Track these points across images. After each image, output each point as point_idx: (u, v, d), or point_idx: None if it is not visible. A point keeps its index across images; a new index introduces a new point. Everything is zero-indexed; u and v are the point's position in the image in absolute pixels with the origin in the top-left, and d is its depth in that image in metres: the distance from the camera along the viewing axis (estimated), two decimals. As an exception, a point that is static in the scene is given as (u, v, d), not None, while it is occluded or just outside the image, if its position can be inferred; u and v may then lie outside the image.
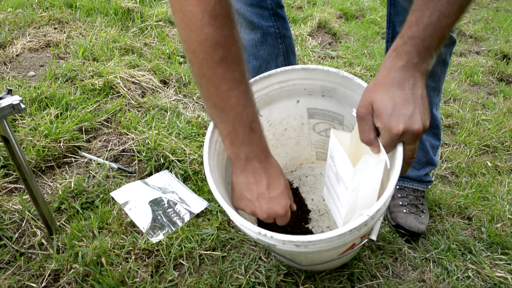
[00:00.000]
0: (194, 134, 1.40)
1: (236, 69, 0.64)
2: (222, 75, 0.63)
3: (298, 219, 1.02)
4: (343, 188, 0.79)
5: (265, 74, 0.86)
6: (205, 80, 0.64)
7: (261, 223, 0.97)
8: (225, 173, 0.86)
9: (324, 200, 1.08)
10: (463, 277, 0.99)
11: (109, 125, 1.42)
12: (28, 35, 1.89)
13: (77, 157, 1.27)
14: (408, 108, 0.62)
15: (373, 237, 0.75)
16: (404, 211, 1.11)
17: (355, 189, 0.76)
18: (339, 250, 0.76)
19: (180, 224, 1.08)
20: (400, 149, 0.66)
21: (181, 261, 0.98)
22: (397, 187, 1.19)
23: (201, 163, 1.26)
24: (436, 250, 1.06)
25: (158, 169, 1.27)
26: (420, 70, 0.64)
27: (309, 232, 1.01)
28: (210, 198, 1.17)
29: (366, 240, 0.78)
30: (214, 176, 0.74)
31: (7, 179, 1.16)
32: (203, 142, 1.36)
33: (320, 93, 0.90)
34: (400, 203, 1.14)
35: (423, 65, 0.64)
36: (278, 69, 0.86)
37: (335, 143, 0.79)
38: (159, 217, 1.10)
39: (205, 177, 1.24)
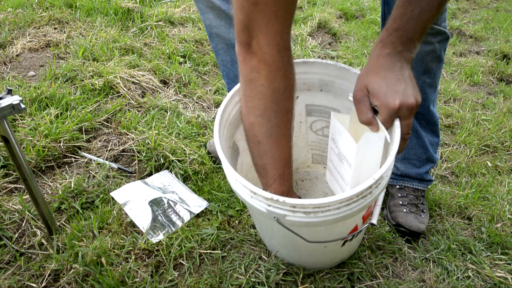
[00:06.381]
0: (194, 134, 1.40)
1: (290, 126, 0.78)
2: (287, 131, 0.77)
3: None
4: (347, 166, 0.82)
5: None
6: (271, 140, 0.76)
7: None
8: (231, 161, 0.87)
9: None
10: (463, 277, 0.99)
11: (109, 125, 1.42)
12: (28, 35, 1.89)
13: (77, 157, 1.28)
14: (401, 86, 0.69)
15: (374, 221, 0.79)
16: (404, 210, 1.11)
17: (358, 166, 0.78)
18: (344, 228, 0.78)
19: (180, 224, 1.08)
20: (397, 123, 0.71)
21: (181, 261, 0.98)
22: (397, 186, 1.19)
23: (201, 163, 1.26)
24: (436, 250, 1.06)
25: (158, 169, 1.27)
26: (404, 57, 0.71)
27: None
28: (210, 198, 1.17)
29: (368, 224, 0.81)
30: (226, 155, 0.78)
31: (7, 179, 1.16)
32: (203, 142, 1.36)
33: (318, 88, 0.93)
34: (400, 202, 1.14)
35: (407, 53, 0.71)
36: None
37: (336, 124, 0.84)
38: (159, 217, 1.10)
39: (205, 177, 1.24)
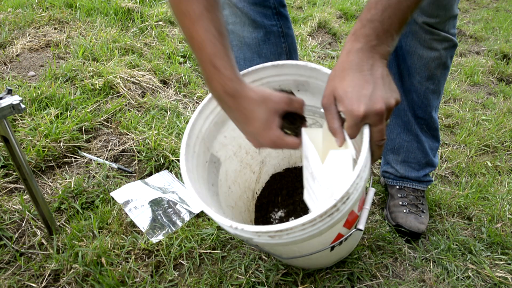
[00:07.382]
0: (194, 134, 1.40)
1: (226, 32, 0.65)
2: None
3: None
4: (318, 186, 0.78)
5: None
6: (213, 41, 0.63)
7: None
8: (208, 175, 0.86)
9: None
10: (463, 277, 0.99)
11: (109, 125, 1.42)
12: (28, 35, 1.89)
13: (77, 157, 1.28)
14: (368, 89, 0.61)
15: (361, 226, 0.74)
16: (404, 211, 1.11)
17: (330, 186, 0.75)
18: (324, 240, 0.74)
19: (180, 224, 1.08)
20: (366, 131, 0.64)
21: (181, 261, 0.98)
22: (397, 187, 1.19)
23: (201, 163, 1.26)
24: (436, 250, 1.06)
25: (158, 169, 1.27)
26: (379, 52, 0.63)
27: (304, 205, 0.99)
28: (210, 198, 1.17)
29: (354, 230, 0.76)
30: (191, 177, 0.74)
31: (7, 179, 1.16)
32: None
33: (295, 88, 0.91)
34: (400, 203, 1.14)
35: (382, 47, 0.63)
36: (249, 69, 0.84)
37: (306, 142, 0.77)
38: (159, 217, 1.10)
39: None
